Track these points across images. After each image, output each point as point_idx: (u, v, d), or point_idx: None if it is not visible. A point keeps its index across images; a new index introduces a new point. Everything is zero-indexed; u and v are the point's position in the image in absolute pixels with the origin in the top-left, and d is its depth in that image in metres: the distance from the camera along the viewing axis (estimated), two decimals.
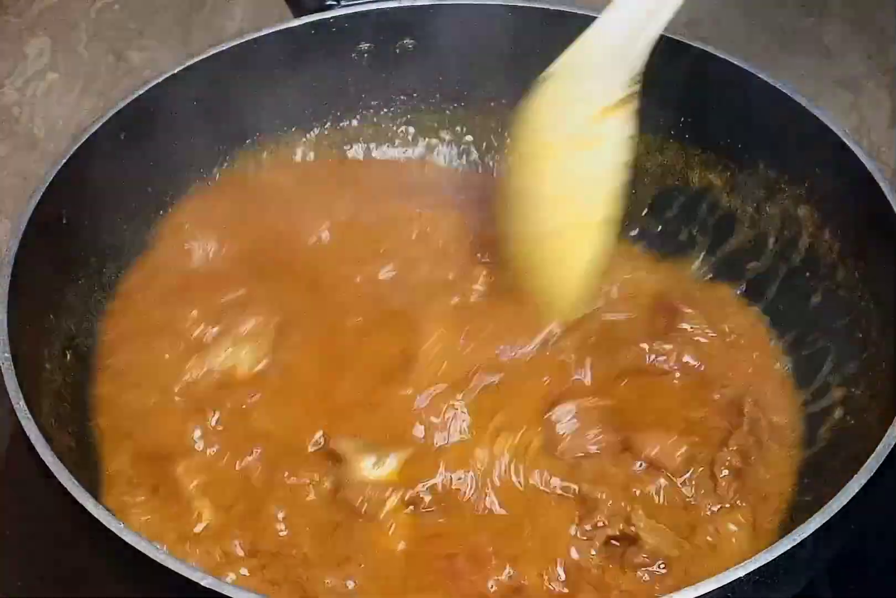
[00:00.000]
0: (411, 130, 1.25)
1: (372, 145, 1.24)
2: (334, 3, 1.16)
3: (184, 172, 1.15)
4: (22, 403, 0.86)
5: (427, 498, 0.94)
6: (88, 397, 1.02)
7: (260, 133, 1.19)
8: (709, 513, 0.94)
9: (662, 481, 0.95)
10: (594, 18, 1.12)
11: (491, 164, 1.25)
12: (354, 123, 1.23)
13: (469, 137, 1.25)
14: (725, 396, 1.02)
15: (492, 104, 1.23)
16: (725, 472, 0.95)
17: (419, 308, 1.06)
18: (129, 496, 0.96)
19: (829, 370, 1.03)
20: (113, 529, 0.79)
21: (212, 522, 0.93)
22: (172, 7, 1.55)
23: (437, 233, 1.15)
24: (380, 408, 0.99)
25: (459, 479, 0.95)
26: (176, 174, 1.14)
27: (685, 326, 1.06)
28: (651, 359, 1.03)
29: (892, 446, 0.84)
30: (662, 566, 0.91)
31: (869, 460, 0.83)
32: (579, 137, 0.99)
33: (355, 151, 1.24)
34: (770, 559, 0.78)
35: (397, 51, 1.19)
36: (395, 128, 1.24)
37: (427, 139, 1.25)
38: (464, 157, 1.25)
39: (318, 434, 0.97)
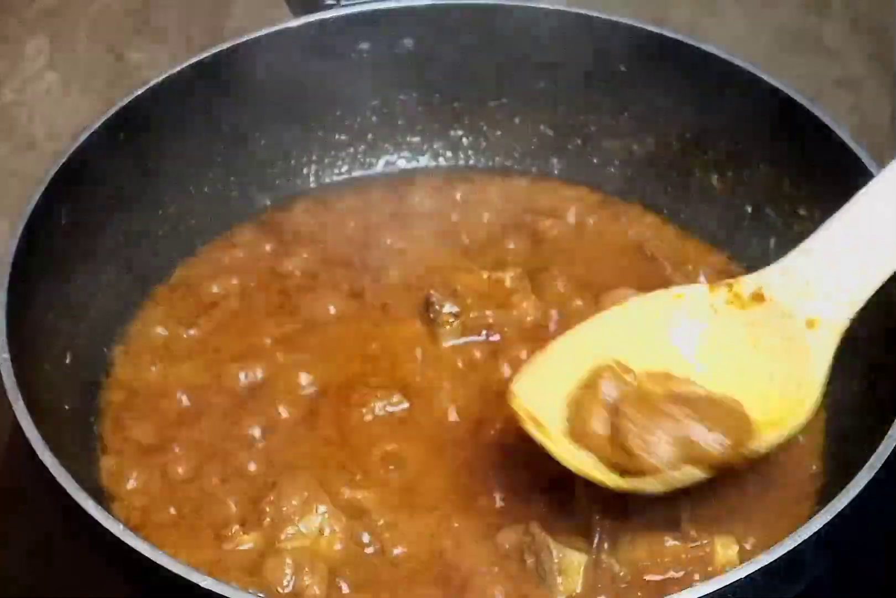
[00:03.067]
0: (411, 130, 1.25)
1: (372, 146, 1.25)
2: (334, 3, 1.16)
3: (184, 172, 1.15)
4: (22, 403, 0.85)
5: None
6: (89, 397, 1.02)
7: (259, 133, 1.19)
8: None
9: None
10: (591, 18, 1.13)
11: (490, 164, 1.25)
12: (354, 123, 1.23)
13: (469, 138, 1.25)
14: None
15: (492, 104, 1.23)
16: None
17: None
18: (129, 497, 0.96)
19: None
20: (113, 529, 0.79)
21: None
22: (172, 7, 1.54)
23: None
24: None
25: None
26: (176, 174, 1.14)
27: None
28: None
29: (892, 447, 0.84)
30: None
31: (869, 460, 0.83)
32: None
33: (356, 152, 1.24)
34: (770, 559, 0.78)
35: (397, 51, 1.19)
36: (394, 128, 1.24)
37: (426, 139, 1.25)
38: (463, 158, 1.25)
39: None
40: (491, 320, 1.06)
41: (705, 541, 0.89)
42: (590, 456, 0.87)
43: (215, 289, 1.12)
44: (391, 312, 1.09)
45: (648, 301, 0.94)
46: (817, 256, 0.90)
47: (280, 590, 0.88)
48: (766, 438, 0.87)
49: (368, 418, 1.00)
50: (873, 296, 0.92)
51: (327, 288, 1.12)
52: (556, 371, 0.91)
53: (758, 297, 0.92)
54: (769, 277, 0.92)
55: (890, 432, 0.84)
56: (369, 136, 1.24)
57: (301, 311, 1.10)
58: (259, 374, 1.04)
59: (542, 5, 1.15)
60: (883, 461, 0.83)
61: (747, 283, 0.93)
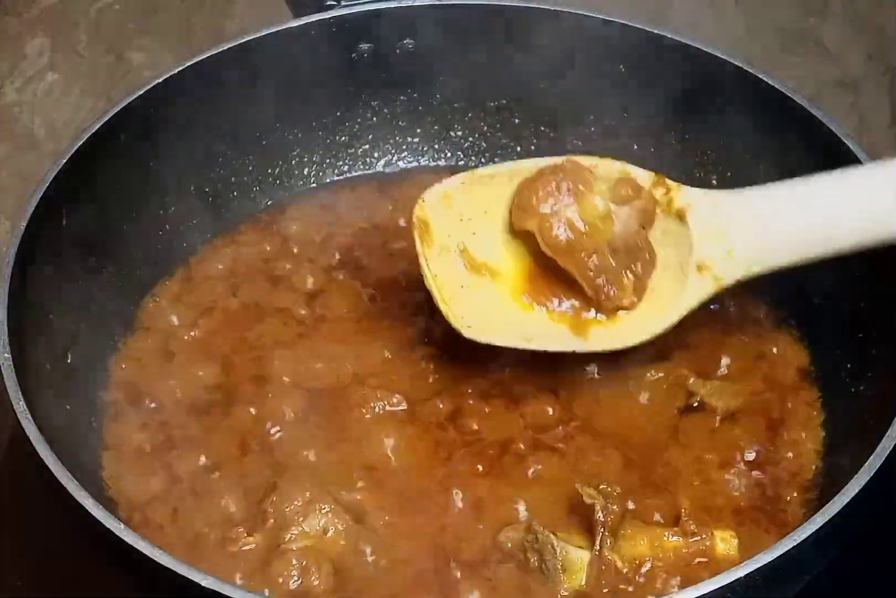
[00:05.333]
0: (411, 130, 1.25)
1: (372, 146, 1.25)
2: (334, 3, 1.16)
3: (184, 172, 1.15)
4: (22, 403, 0.86)
5: None
6: (89, 397, 1.02)
7: (259, 133, 1.19)
8: None
9: None
10: (591, 19, 1.13)
11: (490, 164, 1.25)
12: (355, 123, 1.23)
13: (469, 138, 1.25)
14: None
15: (491, 104, 1.23)
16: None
17: None
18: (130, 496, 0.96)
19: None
20: (113, 529, 0.79)
21: None
22: (172, 7, 1.54)
23: None
24: None
25: None
26: (176, 175, 1.14)
27: None
28: None
29: (891, 447, 0.84)
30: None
31: (869, 460, 0.83)
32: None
33: (356, 152, 1.25)
34: (770, 559, 0.78)
35: (397, 51, 1.19)
36: (394, 129, 1.24)
37: (426, 140, 1.25)
38: (463, 158, 1.26)
39: None
40: None
41: (704, 535, 0.90)
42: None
43: (216, 289, 1.13)
44: (392, 310, 1.09)
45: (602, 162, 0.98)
46: (753, 210, 0.94)
47: (287, 591, 0.89)
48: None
49: (368, 417, 1.00)
50: (870, 294, 0.92)
51: (327, 288, 1.12)
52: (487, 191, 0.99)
53: (680, 215, 0.97)
54: (698, 203, 0.96)
55: (889, 432, 0.85)
56: (370, 136, 1.24)
57: (301, 310, 1.10)
58: (259, 374, 1.04)
59: (541, 6, 1.15)
60: (882, 461, 0.83)
61: (680, 195, 0.97)
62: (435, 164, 1.26)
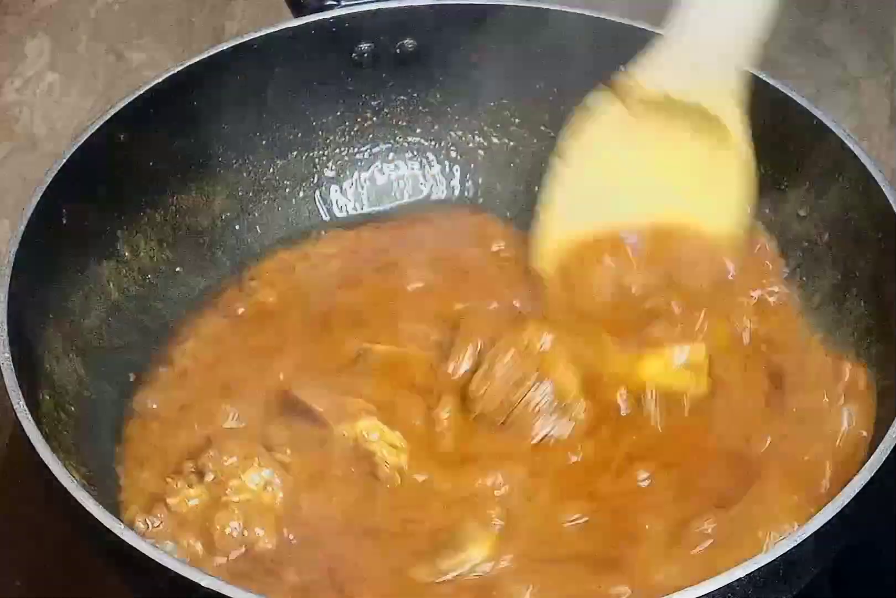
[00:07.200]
0: (411, 130, 1.25)
1: (372, 146, 1.25)
2: (334, 3, 1.16)
3: (184, 172, 1.15)
4: (22, 403, 0.85)
5: None
6: (89, 397, 1.02)
7: (259, 133, 1.19)
8: None
9: None
10: (591, 18, 1.13)
11: (490, 164, 1.25)
12: (355, 123, 1.23)
13: (469, 138, 1.25)
14: None
15: (492, 104, 1.23)
16: None
17: None
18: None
19: None
20: (113, 529, 0.79)
21: None
22: (172, 7, 1.55)
23: None
24: None
25: None
26: (176, 174, 1.14)
27: None
28: None
29: (892, 447, 0.84)
30: None
31: (869, 460, 0.83)
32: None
33: (356, 152, 1.25)
34: (770, 559, 0.78)
35: (397, 51, 1.19)
36: (394, 128, 1.24)
37: (427, 140, 1.25)
38: (464, 157, 1.26)
39: None
40: None
41: None
42: None
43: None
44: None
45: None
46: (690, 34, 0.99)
47: (231, 542, 0.89)
48: None
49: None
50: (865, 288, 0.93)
51: (328, 285, 1.12)
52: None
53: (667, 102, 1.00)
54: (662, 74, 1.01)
55: (889, 432, 0.85)
56: (370, 136, 1.24)
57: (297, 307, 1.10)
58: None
59: (541, 5, 1.16)
60: (882, 461, 0.83)
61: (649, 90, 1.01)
62: (436, 164, 1.26)
